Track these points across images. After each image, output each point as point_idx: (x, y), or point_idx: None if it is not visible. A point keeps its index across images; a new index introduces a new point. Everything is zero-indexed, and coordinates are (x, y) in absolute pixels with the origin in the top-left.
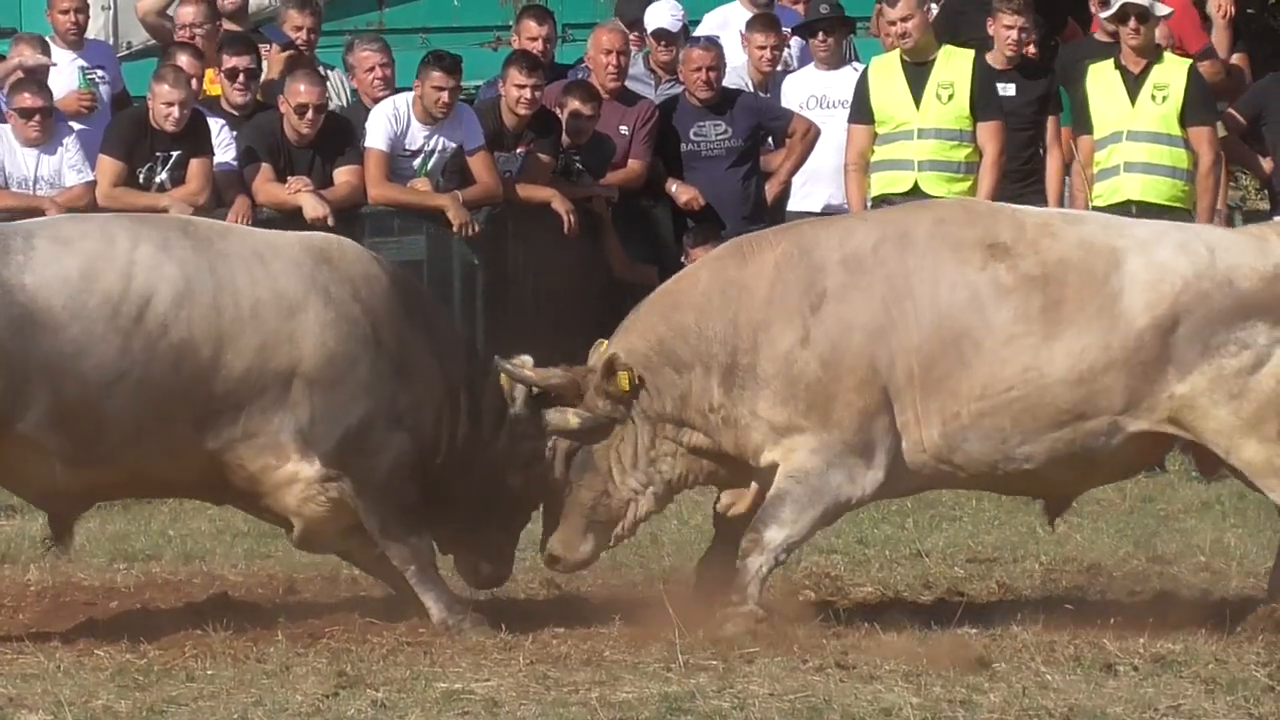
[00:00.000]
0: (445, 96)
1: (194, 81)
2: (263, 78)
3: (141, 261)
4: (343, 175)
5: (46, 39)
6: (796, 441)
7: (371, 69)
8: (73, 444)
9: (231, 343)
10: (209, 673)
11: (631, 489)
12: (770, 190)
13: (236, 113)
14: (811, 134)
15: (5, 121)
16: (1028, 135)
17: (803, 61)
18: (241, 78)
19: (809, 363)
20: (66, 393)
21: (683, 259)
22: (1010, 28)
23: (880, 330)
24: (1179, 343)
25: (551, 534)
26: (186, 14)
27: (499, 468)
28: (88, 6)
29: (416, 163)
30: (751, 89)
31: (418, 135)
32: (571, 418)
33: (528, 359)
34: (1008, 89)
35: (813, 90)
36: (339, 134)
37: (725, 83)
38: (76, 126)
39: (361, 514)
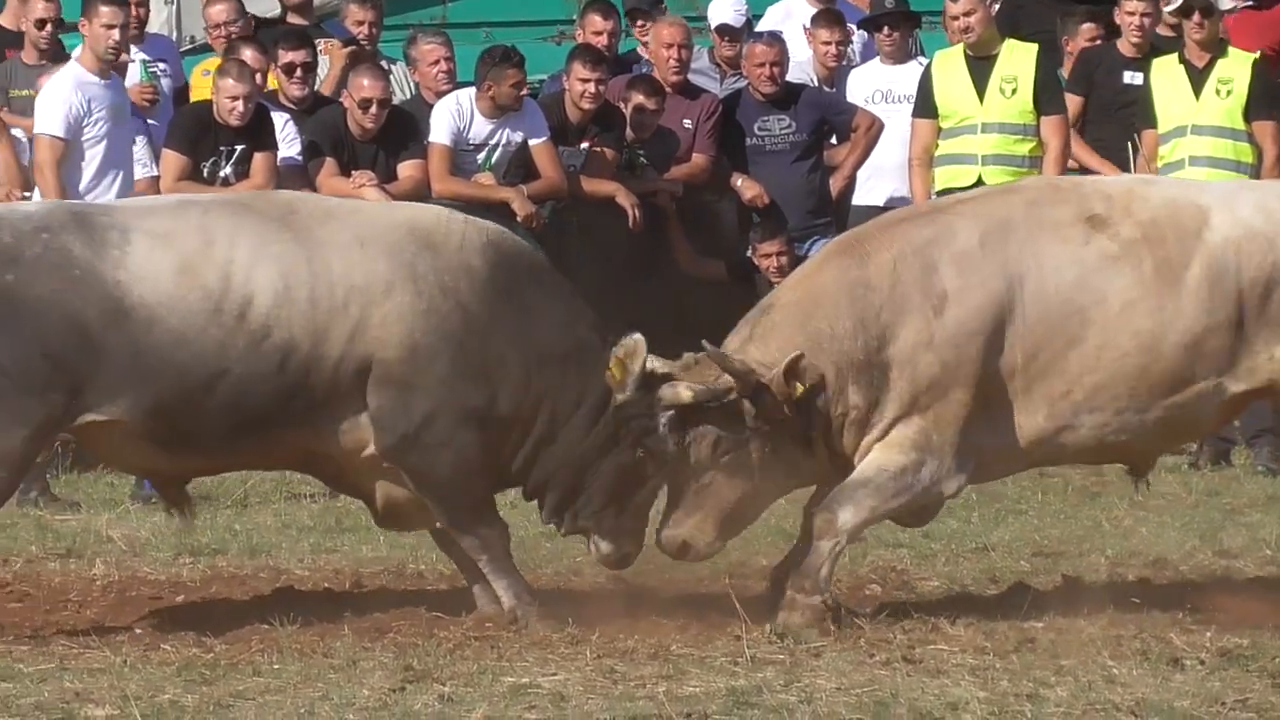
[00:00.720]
0: (525, 91)
1: (259, 76)
2: (324, 73)
3: (239, 261)
4: (406, 170)
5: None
6: (899, 435)
7: (435, 62)
8: (171, 433)
9: (326, 334)
10: (275, 667)
11: (775, 492)
12: (835, 185)
13: (295, 107)
14: (875, 128)
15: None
16: None
17: (866, 56)
18: (299, 72)
19: (932, 365)
20: (163, 386)
21: (749, 254)
22: (1133, 14)
23: (997, 330)
24: (1276, 303)
25: (679, 521)
26: (217, 13)
27: (607, 446)
28: (148, 1)
29: (480, 157)
30: (816, 84)
31: (481, 129)
32: (684, 391)
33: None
34: (1135, 78)
35: (878, 85)
36: (402, 128)
37: (789, 77)
38: (149, 122)
39: (430, 506)
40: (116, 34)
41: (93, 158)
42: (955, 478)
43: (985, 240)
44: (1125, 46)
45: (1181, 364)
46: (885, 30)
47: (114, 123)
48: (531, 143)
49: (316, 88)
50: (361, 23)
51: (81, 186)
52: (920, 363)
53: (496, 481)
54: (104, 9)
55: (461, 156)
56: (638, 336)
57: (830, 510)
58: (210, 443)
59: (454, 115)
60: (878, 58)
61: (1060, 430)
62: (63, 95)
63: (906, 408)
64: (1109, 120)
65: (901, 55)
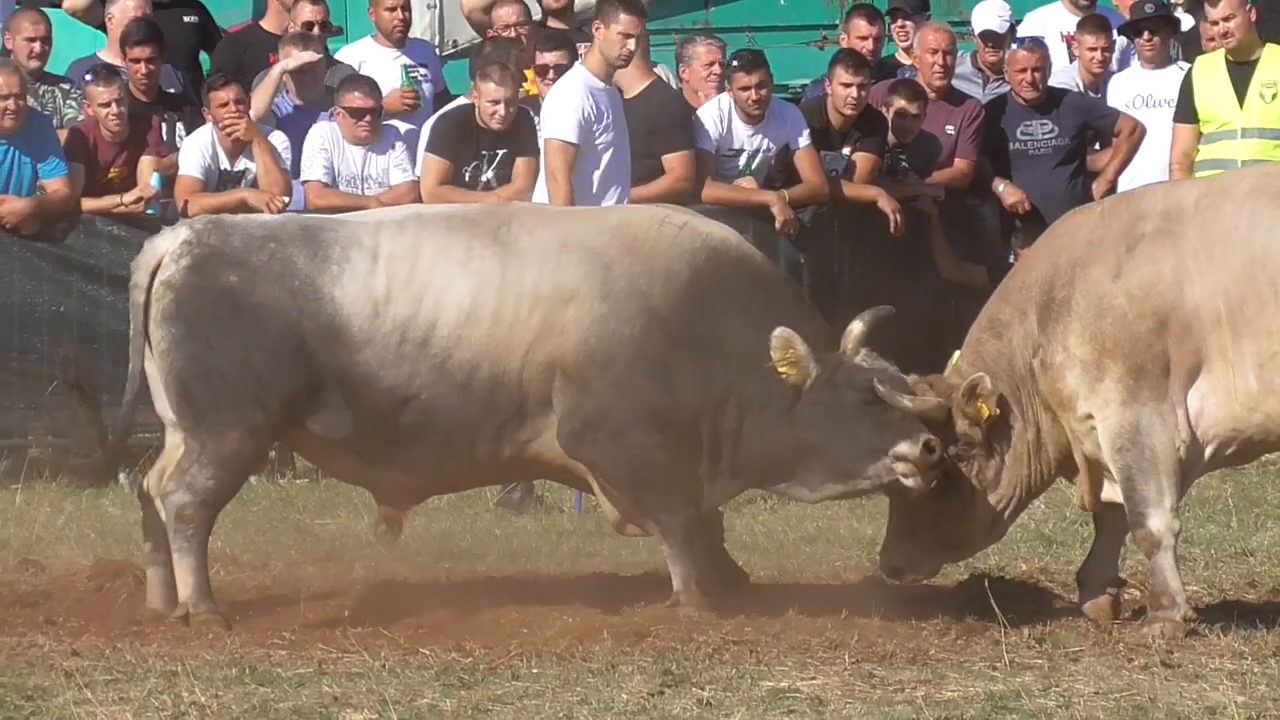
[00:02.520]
0: (752, 95)
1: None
2: None
3: (434, 283)
4: (671, 163)
5: (314, 35)
6: (1107, 391)
7: (710, 64)
8: (374, 450)
9: (507, 348)
10: (534, 671)
11: (992, 512)
12: (1097, 189)
13: None
14: (1138, 133)
15: (333, 119)
16: None
17: (1122, 62)
18: (551, 74)
19: (1116, 296)
20: (361, 406)
21: (1011, 258)
22: None
23: (1187, 274)
24: None
25: (895, 545)
26: (507, 14)
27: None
28: (411, 4)
29: (741, 161)
30: (1081, 90)
31: (741, 134)
32: (904, 401)
33: (909, 379)
34: None
35: (1139, 89)
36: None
37: (1052, 83)
38: (404, 127)
39: (619, 498)
40: (631, 44)
41: (602, 164)
42: (1179, 417)
43: (1201, 199)
44: None
45: None
46: (1145, 35)
47: (618, 130)
48: (793, 146)
49: None
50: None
51: (593, 193)
52: (1106, 294)
53: (701, 477)
54: (623, 16)
55: (722, 161)
56: (778, 331)
57: (1140, 526)
58: (411, 460)
59: (715, 121)
60: (1139, 62)
61: (1268, 394)
62: (574, 100)
63: (1094, 343)
64: None
65: (1162, 60)
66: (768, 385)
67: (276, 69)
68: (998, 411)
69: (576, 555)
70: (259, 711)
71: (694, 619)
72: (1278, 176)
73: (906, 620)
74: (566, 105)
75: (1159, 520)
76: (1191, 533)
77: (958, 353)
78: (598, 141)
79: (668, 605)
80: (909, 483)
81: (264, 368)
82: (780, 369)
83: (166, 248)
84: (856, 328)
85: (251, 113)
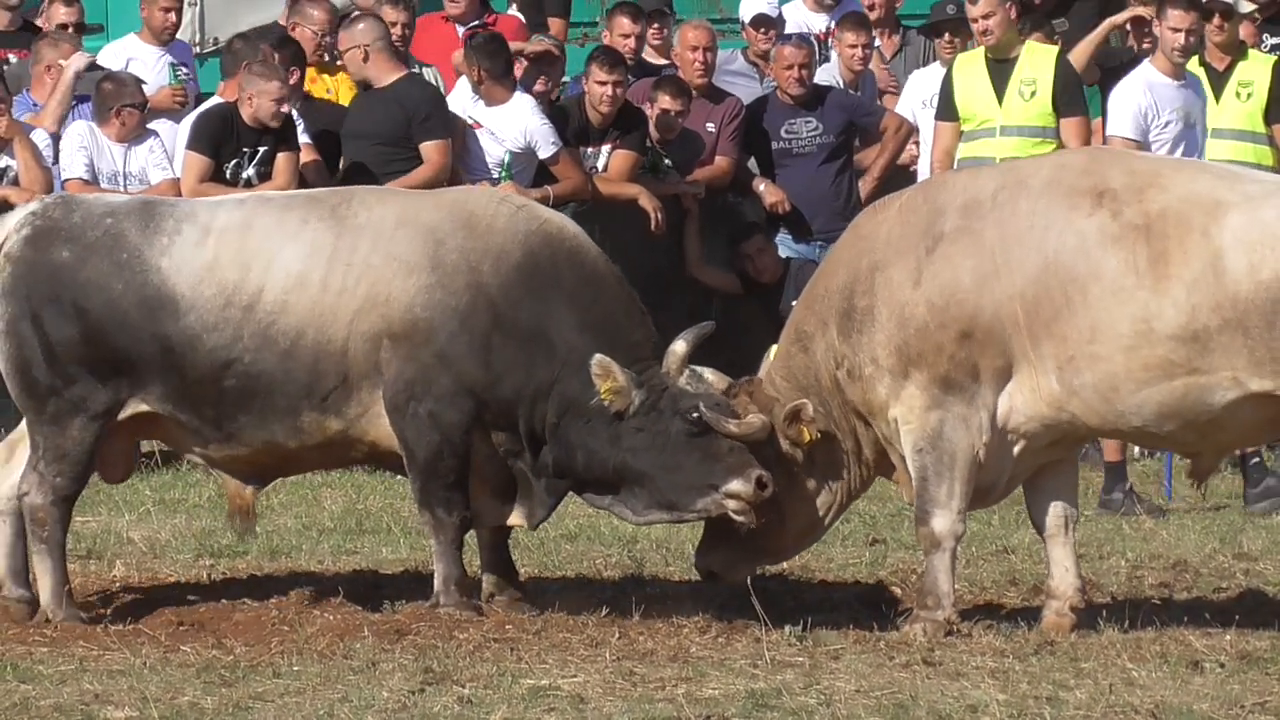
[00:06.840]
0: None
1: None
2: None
3: (264, 251)
4: (429, 151)
5: (70, 35)
6: (913, 398)
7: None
8: (200, 422)
9: (333, 316)
10: (295, 669)
11: (811, 519)
12: (864, 187)
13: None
14: (904, 130)
15: (93, 119)
16: None
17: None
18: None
19: (917, 305)
20: (184, 372)
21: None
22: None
23: (986, 276)
24: None
25: (712, 549)
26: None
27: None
28: (183, 5)
29: (499, 163)
30: (842, 87)
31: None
32: (727, 426)
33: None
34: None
35: (934, 89)
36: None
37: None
38: (160, 124)
39: (410, 479)
40: (1181, 39)
41: (1174, 156)
42: (982, 420)
43: (999, 191)
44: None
45: (1182, 356)
46: (946, 36)
47: (1183, 121)
48: (540, 155)
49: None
50: (394, 24)
51: None
52: (907, 304)
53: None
54: (1170, 12)
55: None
56: (596, 358)
57: (924, 524)
58: (237, 428)
59: (463, 108)
60: (937, 62)
61: (1070, 396)
62: (1134, 98)
63: (899, 354)
64: None
65: None
66: (591, 395)
67: (70, 72)
68: (819, 436)
69: (337, 553)
70: (20, 709)
71: (455, 616)
72: (1072, 169)
73: (667, 618)
74: (1127, 103)
75: (943, 522)
76: None
77: (774, 346)
78: (1160, 136)
79: (429, 605)
80: (740, 518)
81: (94, 344)
82: (602, 396)
83: (14, 221)
84: (679, 348)
85: (53, 117)
